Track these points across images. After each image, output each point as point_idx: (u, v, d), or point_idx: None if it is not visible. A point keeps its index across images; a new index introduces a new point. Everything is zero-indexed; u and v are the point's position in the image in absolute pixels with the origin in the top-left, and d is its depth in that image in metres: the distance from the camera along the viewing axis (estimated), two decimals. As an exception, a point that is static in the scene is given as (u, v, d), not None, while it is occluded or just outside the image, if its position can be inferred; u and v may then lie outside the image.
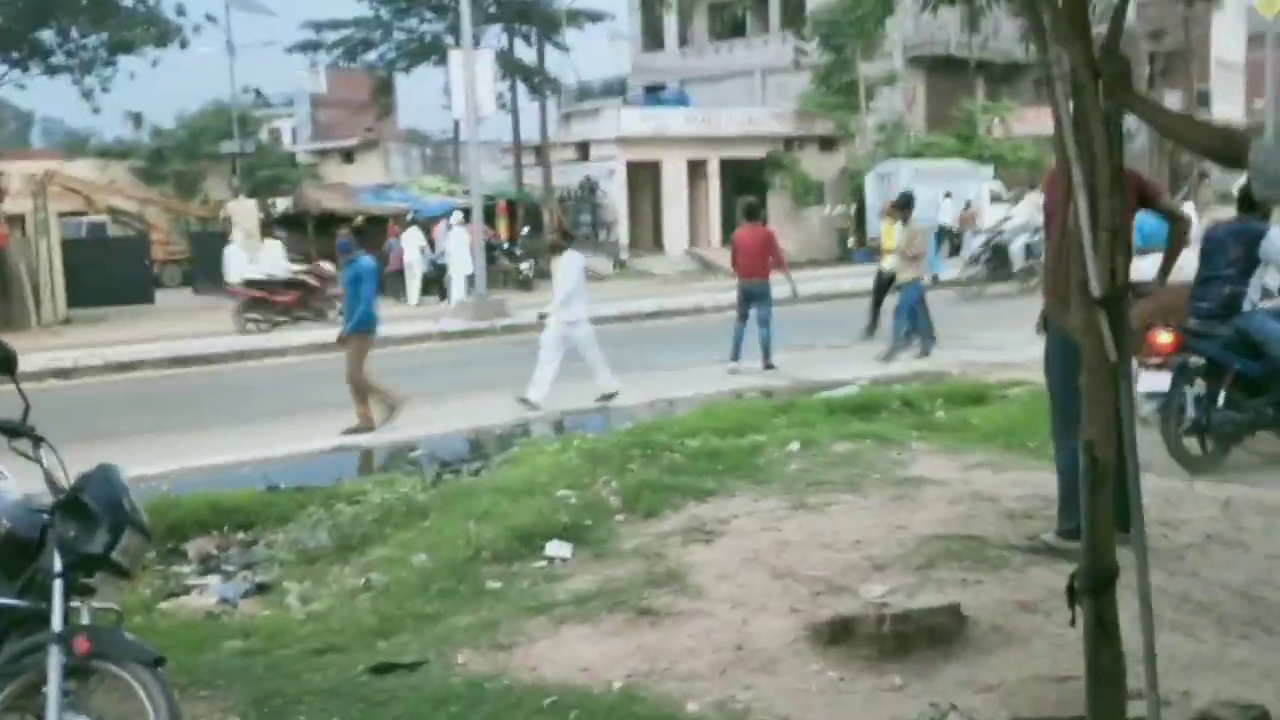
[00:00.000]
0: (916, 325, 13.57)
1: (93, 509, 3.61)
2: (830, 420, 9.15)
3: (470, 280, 23.17)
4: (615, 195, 30.68)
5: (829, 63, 33.29)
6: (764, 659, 4.37)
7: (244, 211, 27.00)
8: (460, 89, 17.96)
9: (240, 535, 7.17)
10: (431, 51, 33.84)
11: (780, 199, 32.34)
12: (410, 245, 24.32)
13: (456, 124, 34.69)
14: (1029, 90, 40.62)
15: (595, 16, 35.61)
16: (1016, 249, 19.62)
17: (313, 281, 20.03)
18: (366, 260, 10.78)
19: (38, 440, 3.70)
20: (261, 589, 6.22)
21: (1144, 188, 5.32)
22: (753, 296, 13.05)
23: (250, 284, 19.43)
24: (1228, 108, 42.81)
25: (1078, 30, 3.12)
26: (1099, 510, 3.35)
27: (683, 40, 43.90)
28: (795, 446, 7.48)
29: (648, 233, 32.27)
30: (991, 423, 8.60)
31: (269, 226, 26.59)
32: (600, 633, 4.75)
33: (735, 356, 13.11)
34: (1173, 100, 40.82)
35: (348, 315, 10.55)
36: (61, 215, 30.98)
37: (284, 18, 44.52)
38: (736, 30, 42.09)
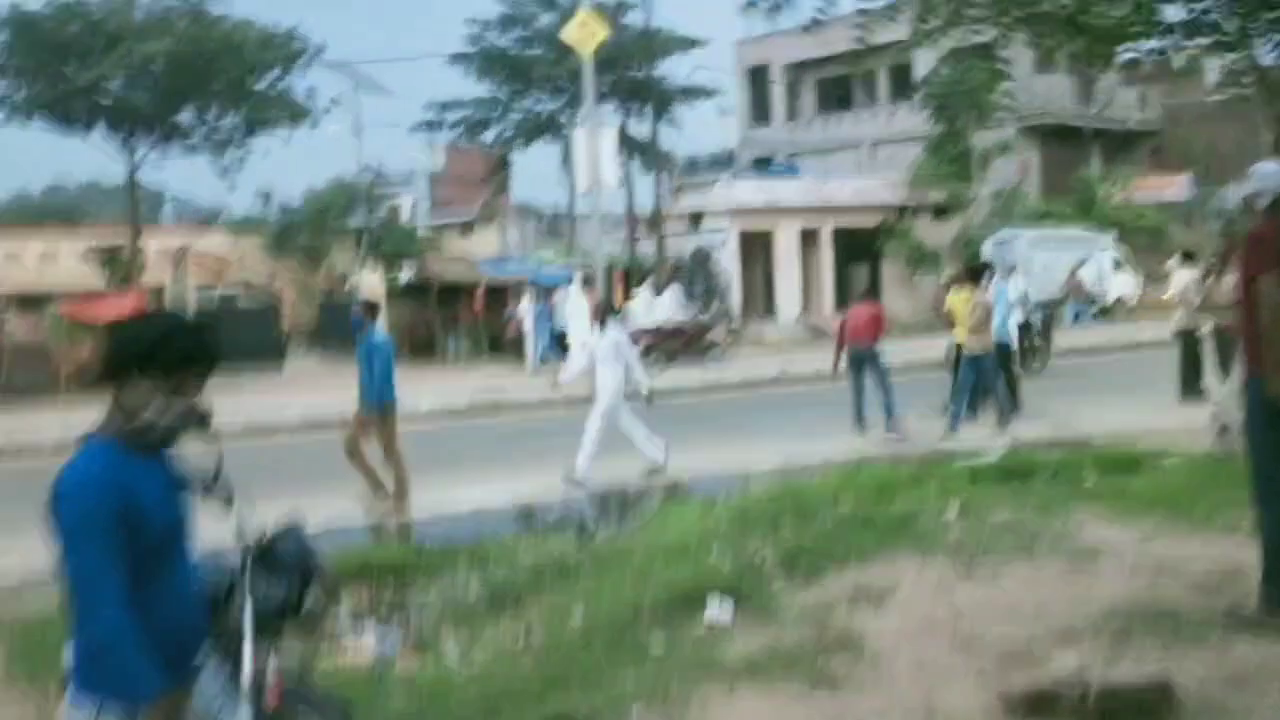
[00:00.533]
0: (995, 396, 13.00)
1: (284, 561, 3.64)
2: (975, 488, 8.89)
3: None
4: (728, 264, 30.80)
5: (941, 133, 33.13)
6: (960, 729, 4.19)
7: (370, 283, 27.80)
8: (584, 163, 18.28)
9: (391, 591, 7.23)
10: (547, 129, 34.66)
11: (893, 266, 32.07)
12: (529, 313, 24.68)
13: (572, 197, 35.49)
14: (1146, 158, 39.86)
15: (706, 93, 36.12)
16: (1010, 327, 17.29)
17: (692, 329, 23.95)
18: (380, 336, 10.44)
19: (229, 495, 3.76)
20: (420, 644, 6.23)
21: None
22: (863, 360, 12.95)
23: (646, 331, 22.20)
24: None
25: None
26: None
27: (790, 114, 44.23)
28: (953, 514, 7.26)
29: (760, 300, 32.22)
30: (1151, 492, 8.20)
31: (394, 297, 27.34)
32: (779, 698, 4.62)
33: (859, 422, 12.90)
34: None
35: (363, 394, 10.03)
36: (196, 287, 32.46)
37: (405, 99, 46.25)
38: (843, 103, 42.24)
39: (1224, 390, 10.10)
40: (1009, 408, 12.97)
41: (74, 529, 2.57)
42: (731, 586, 5.93)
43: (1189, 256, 14.61)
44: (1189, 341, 13.53)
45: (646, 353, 20.33)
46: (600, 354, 11.27)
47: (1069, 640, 4.91)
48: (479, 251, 33.92)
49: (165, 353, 2.72)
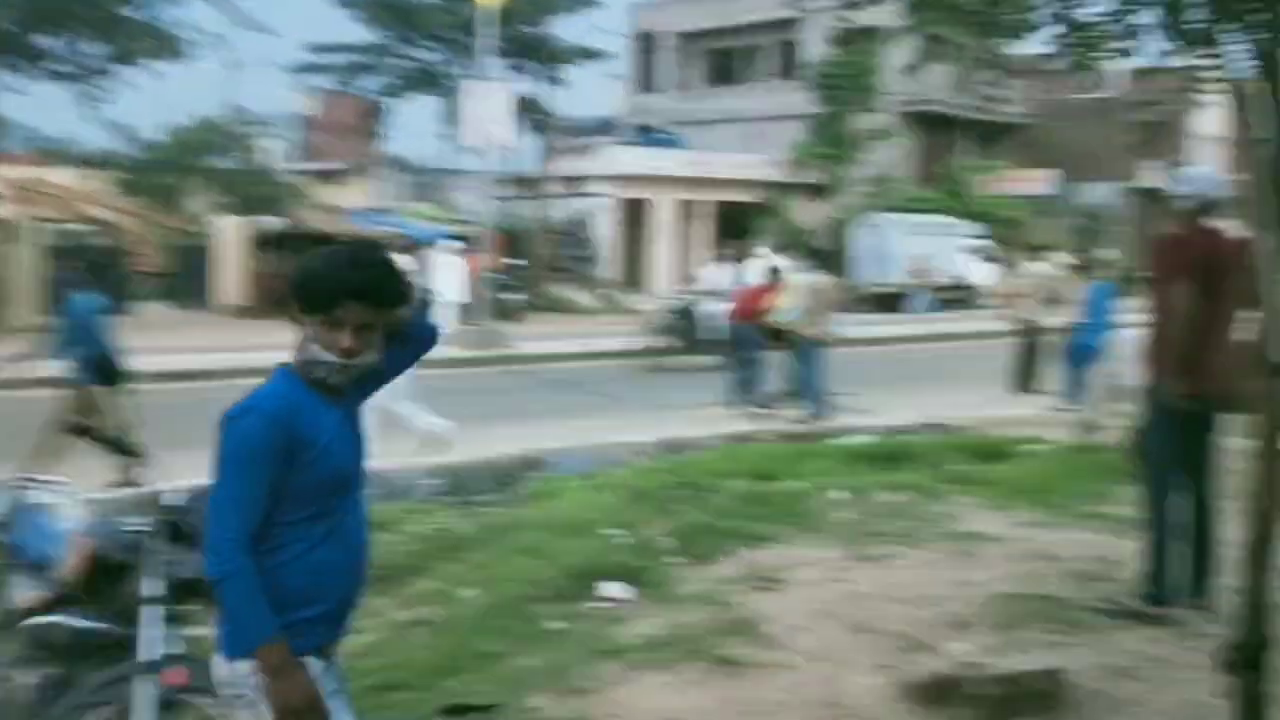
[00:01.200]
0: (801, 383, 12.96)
1: (195, 532, 3.44)
2: (852, 468, 9.07)
3: (461, 309, 23.03)
4: (605, 231, 30.69)
5: (825, 113, 33.63)
6: (863, 717, 4.24)
7: (230, 229, 26.73)
8: (474, 119, 17.87)
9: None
10: (432, 80, 33.78)
11: (769, 244, 32.49)
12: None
13: (450, 153, 34.74)
14: (1014, 152, 41.26)
15: (596, 55, 35.72)
16: (706, 316, 16.56)
17: None
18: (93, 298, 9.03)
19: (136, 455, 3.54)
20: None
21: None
22: (740, 340, 13.09)
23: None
24: None
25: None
26: (1260, 582, 3.29)
27: (678, 84, 44.19)
28: (841, 495, 7.38)
29: (635, 270, 32.27)
30: (1017, 479, 8.50)
31: (256, 246, 26.37)
32: (681, 681, 4.60)
33: (741, 397, 13.03)
34: (1155, 169, 41.59)
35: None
36: (42, 222, 30.56)
37: (286, 39, 44.50)
38: (731, 77, 42.45)
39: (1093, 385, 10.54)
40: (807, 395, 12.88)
41: (226, 455, 2.50)
42: (627, 566, 5.89)
43: (1037, 250, 15.21)
44: (1028, 336, 14.02)
45: None
46: None
47: (960, 627, 5.03)
48: (352, 204, 32.90)
49: (314, 289, 2.54)
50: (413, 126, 62.53)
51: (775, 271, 13.63)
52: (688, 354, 16.94)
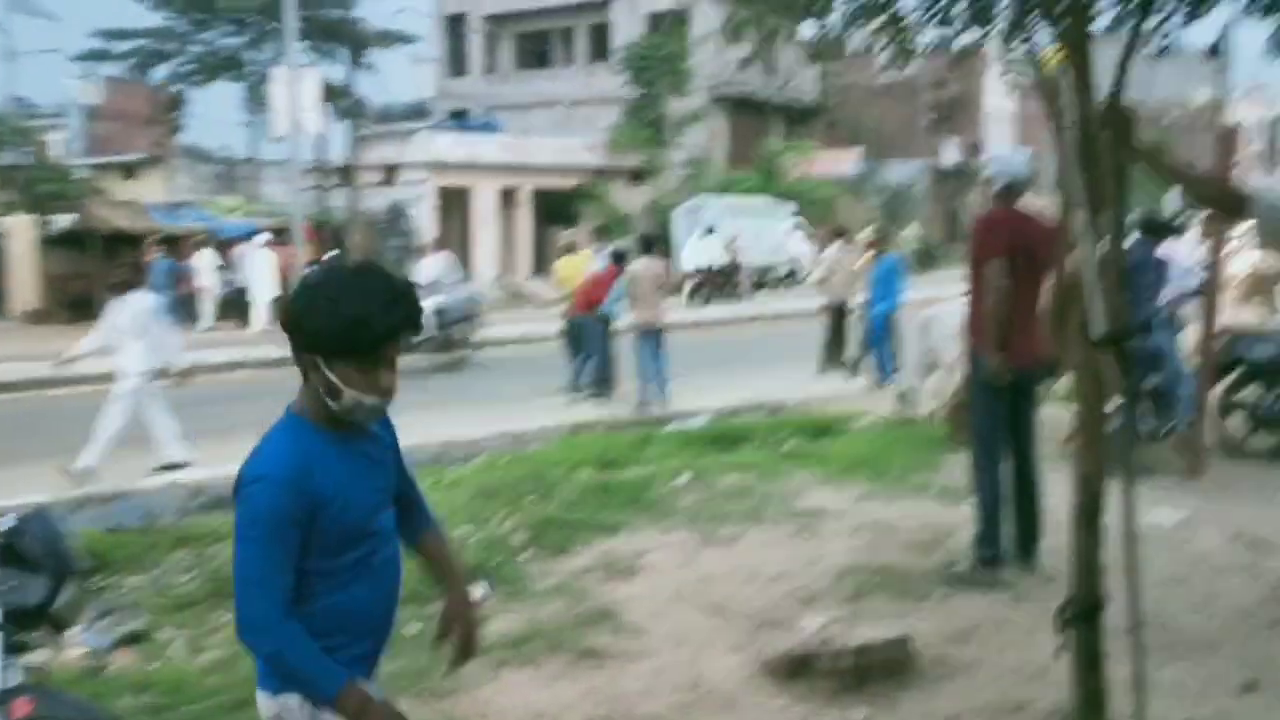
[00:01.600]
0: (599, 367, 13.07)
1: (32, 555, 3.24)
2: (693, 452, 9.25)
3: (274, 305, 22.27)
4: (424, 220, 30.13)
5: (638, 97, 33.93)
6: (724, 698, 4.34)
7: (19, 229, 24.98)
8: (282, 108, 17.23)
9: (89, 580, 6.57)
10: (233, 67, 32.45)
11: (589, 230, 32.60)
12: (206, 268, 23.06)
13: (254, 142, 33.43)
14: (821, 133, 42.66)
15: (403, 39, 35.03)
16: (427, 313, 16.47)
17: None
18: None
19: None
20: (133, 638, 5.72)
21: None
22: (582, 331, 13.11)
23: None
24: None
25: (1089, 85, 3.29)
26: (1091, 544, 3.52)
27: (488, 68, 43.73)
28: (685, 479, 7.51)
29: (458, 259, 31.81)
30: (849, 454, 8.82)
31: (47, 246, 24.77)
32: (545, 676, 4.61)
33: (582, 386, 13.05)
34: (950, 147, 43.79)
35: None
36: None
37: (71, 26, 41.77)
38: (542, 60, 42.28)
39: (905, 359, 11.02)
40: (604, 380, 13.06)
41: (245, 525, 2.37)
42: (480, 563, 5.84)
43: (839, 233, 15.71)
44: (835, 315, 14.54)
45: None
46: (122, 326, 9.52)
47: (810, 602, 5.21)
48: (146, 197, 31.24)
49: (363, 335, 2.33)
50: (215, 115, 59.69)
51: (617, 257, 13.63)
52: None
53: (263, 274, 22.25)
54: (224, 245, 25.07)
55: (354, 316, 2.31)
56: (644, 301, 12.37)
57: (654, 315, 12.41)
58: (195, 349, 10.58)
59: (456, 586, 2.78)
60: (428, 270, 16.39)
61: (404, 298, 2.39)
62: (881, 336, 13.37)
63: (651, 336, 12.43)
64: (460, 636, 2.73)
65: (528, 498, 6.98)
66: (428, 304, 14.65)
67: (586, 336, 13.01)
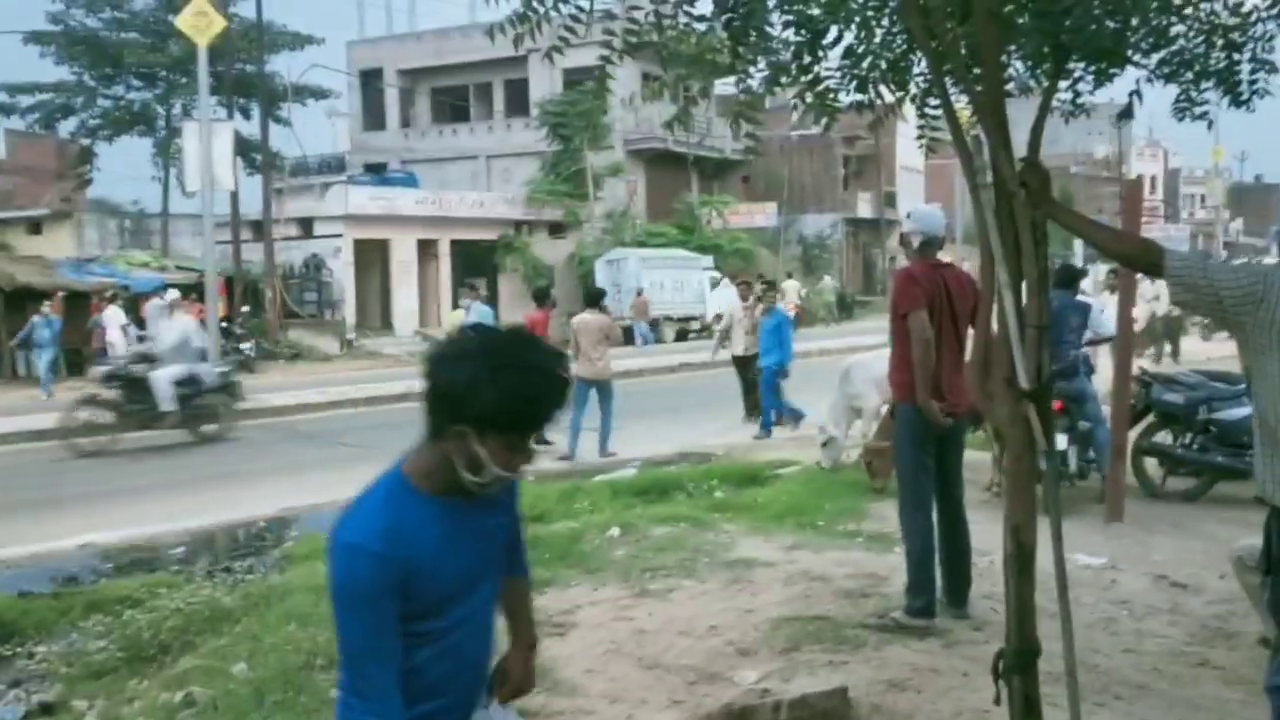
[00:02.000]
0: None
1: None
2: (619, 503, 9.21)
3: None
4: (342, 274, 29.82)
5: (557, 151, 34.17)
6: (665, 756, 4.28)
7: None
8: (195, 162, 16.95)
9: (-5, 649, 6.30)
10: (139, 121, 31.95)
11: (511, 281, 32.57)
12: (113, 324, 22.47)
13: (165, 196, 32.83)
14: (738, 186, 43.36)
15: (319, 94, 34.85)
16: (164, 383, 13.79)
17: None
18: None
19: None
20: (45, 710, 5.46)
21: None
22: None
23: None
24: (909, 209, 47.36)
25: (1006, 145, 3.38)
26: (1025, 592, 3.55)
27: (404, 121, 43.72)
28: (616, 532, 7.45)
29: (376, 313, 31.52)
30: (778, 503, 8.84)
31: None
32: (479, 740, 4.49)
33: None
34: (865, 200, 44.77)
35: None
36: None
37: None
38: (459, 114, 42.40)
39: (827, 407, 11.11)
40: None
41: (341, 594, 2.22)
42: (409, 623, 5.70)
43: (738, 281, 16.09)
44: (744, 364, 14.52)
45: None
46: None
47: (746, 654, 5.17)
48: (51, 252, 30.43)
49: (527, 414, 2.20)
50: (126, 170, 58.50)
51: (541, 297, 13.96)
52: (139, 427, 13.78)
53: (168, 329, 21.77)
54: (135, 301, 24.57)
55: (529, 395, 2.19)
56: (587, 355, 12.29)
57: (598, 369, 12.35)
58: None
59: (525, 639, 2.69)
60: (167, 335, 14.74)
61: (559, 379, 2.27)
62: (771, 388, 13.55)
63: (590, 389, 12.35)
64: (513, 688, 2.64)
65: (456, 555, 6.85)
66: (167, 373, 13.80)
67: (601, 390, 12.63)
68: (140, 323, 23.91)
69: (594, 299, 13.15)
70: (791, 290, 30.03)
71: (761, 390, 13.74)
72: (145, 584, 7.09)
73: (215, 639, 5.88)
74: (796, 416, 13.52)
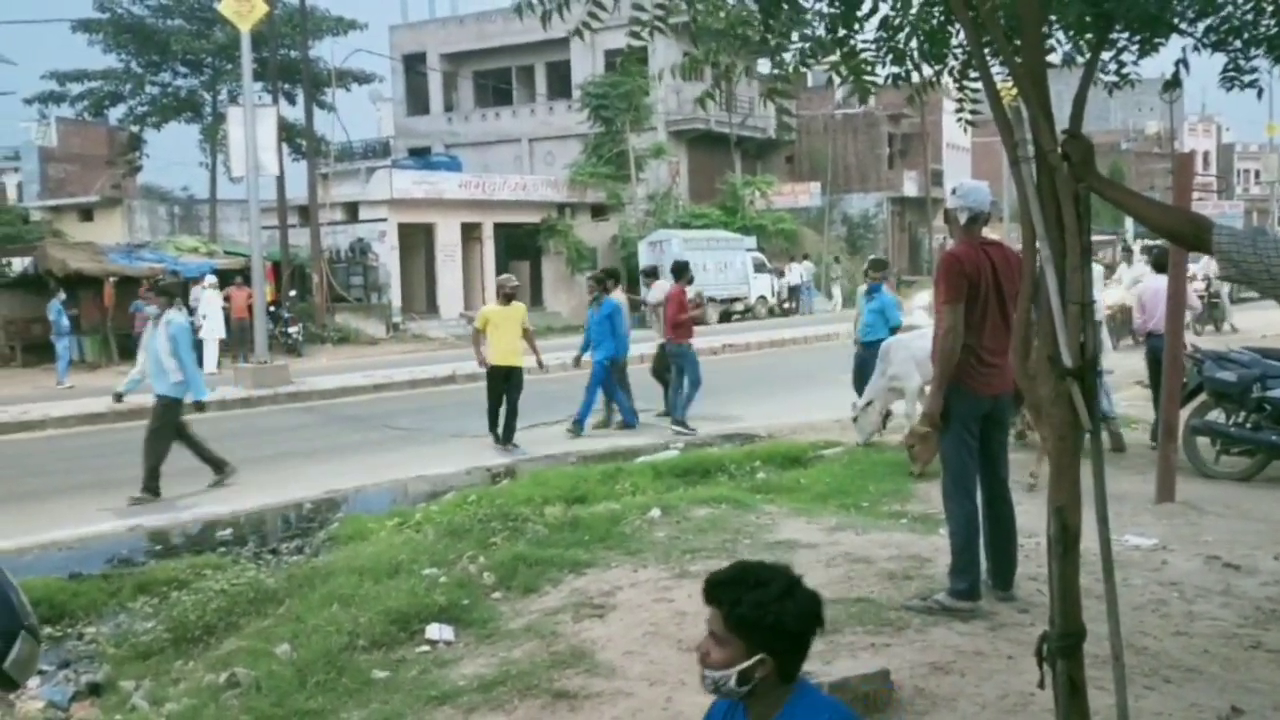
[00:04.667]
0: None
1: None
2: (659, 484, 9.19)
3: (222, 345, 22.13)
4: (387, 258, 30.01)
5: (599, 134, 34.09)
6: (704, 738, 4.25)
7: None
8: (240, 148, 17.10)
9: (47, 631, 6.40)
10: (186, 108, 32.30)
11: (554, 264, 32.61)
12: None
13: (213, 182, 33.18)
14: (782, 166, 43.03)
15: (362, 78, 35.02)
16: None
17: None
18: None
19: None
20: (93, 690, 5.55)
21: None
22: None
23: None
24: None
25: (1047, 117, 3.29)
26: (1069, 575, 3.47)
27: (447, 105, 43.84)
28: (657, 513, 7.43)
29: (421, 296, 31.70)
30: (821, 483, 8.81)
31: (9, 287, 24.47)
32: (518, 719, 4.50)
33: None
34: (911, 179, 44.26)
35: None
36: None
37: (25, 68, 41.29)
38: (502, 97, 42.44)
39: (867, 387, 11.00)
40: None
41: None
42: (450, 605, 5.73)
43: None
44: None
45: None
46: None
47: (787, 637, 5.13)
48: (103, 239, 30.95)
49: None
50: (173, 155, 59.24)
51: (679, 272, 13.65)
52: None
53: (213, 315, 22.13)
54: (185, 285, 24.93)
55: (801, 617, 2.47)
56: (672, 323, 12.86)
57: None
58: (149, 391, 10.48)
59: None
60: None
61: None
62: (600, 382, 12.67)
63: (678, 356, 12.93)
64: None
65: (496, 536, 6.87)
66: None
67: (686, 362, 12.90)
68: (190, 308, 24.37)
69: (680, 272, 13.43)
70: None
71: (604, 388, 12.82)
72: (192, 566, 7.21)
73: (259, 620, 5.95)
74: (627, 417, 12.81)
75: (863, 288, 12.54)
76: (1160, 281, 10.19)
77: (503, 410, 11.98)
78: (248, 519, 9.42)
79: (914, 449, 8.91)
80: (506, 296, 12.30)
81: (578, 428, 12.61)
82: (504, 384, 11.93)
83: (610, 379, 12.80)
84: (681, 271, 13.35)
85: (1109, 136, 60.74)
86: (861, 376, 11.48)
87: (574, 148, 36.32)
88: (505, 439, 11.95)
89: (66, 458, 12.71)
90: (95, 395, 16.94)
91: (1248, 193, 75.09)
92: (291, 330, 25.62)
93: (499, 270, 32.24)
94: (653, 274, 15.22)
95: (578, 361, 13.72)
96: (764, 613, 2.40)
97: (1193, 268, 19.27)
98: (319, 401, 17.21)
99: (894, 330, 11.60)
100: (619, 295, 13.38)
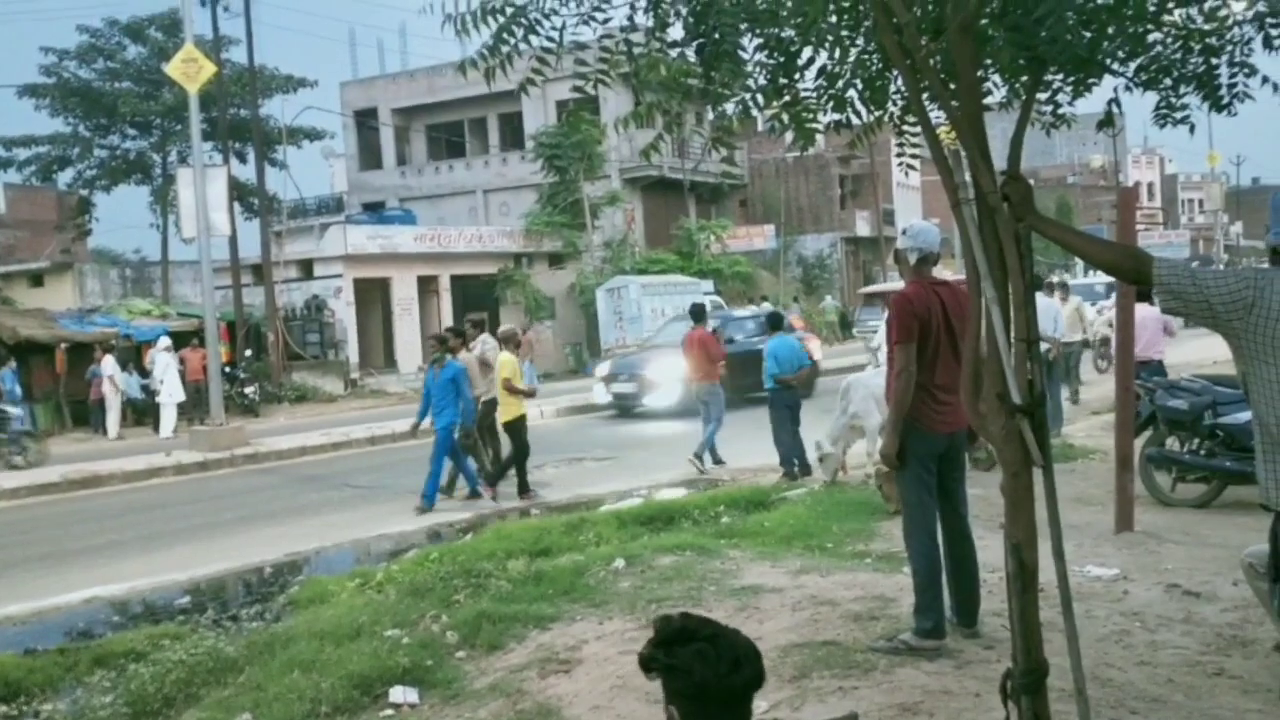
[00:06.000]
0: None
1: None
2: (623, 533, 9.15)
3: (180, 408, 21.87)
4: (344, 313, 29.85)
5: (553, 183, 34.27)
6: (674, 792, 4.19)
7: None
8: (190, 209, 16.99)
9: (2, 710, 6.24)
10: (135, 170, 32.12)
11: (513, 314, 32.58)
12: (109, 373, 22.52)
13: (164, 244, 32.91)
14: (736, 210, 43.44)
15: (314, 135, 34.99)
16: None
17: None
18: None
19: None
20: (49, 770, 5.41)
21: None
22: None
23: None
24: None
25: (985, 159, 3.35)
26: (1029, 611, 3.49)
27: (400, 159, 43.91)
28: (621, 564, 7.38)
29: (379, 351, 31.52)
30: (784, 526, 8.78)
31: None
32: (485, 783, 4.43)
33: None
34: (863, 219, 44.80)
35: None
36: None
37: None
38: (455, 150, 42.59)
39: (827, 426, 11.08)
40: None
41: None
42: (414, 666, 5.65)
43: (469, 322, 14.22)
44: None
45: None
46: None
47: (755, 685, 5.09)
48: (55, 304, 30.56)
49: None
50: (123, 218, 58.87)
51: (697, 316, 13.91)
52: None
53: (169, 378, 21.87)
54: (139, 349, 24.68)
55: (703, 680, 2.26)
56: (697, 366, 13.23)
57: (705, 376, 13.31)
58: (104, 459, 10.28)
59: None
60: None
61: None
62: (446, 450, 11.82)
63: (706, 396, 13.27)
64: None
65: (459, 594, 6.80)
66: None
67: (715, 401, 13.12)
68: (144, 371, 24.04)
69: (698, 315, 13.74)
70: (828, 307, 29.87)
71: (451, 456, 12.01)
72: (150, 636, 7.06)
73: (219, 690, 5.84)
74: (474, 485, 12.06)
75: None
76: (1146, 311, 10.36)
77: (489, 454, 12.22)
78: (206, 585, 9.25)
79: (884, 489, 8.97)
80: (516, 345, 12.47)
81: (426, 503, 11.61)
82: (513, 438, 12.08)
83: (456, 446, 12.00)
84: (700, 314, 13.79)
85: (1056, 171, 61.99)
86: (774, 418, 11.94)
87: (528, 198, 36.47)
88: (522, 489, 12.05)
89: (20, 530, 12.44)
90: (48, 465, 16.67)
91: (1192, 222, 76.74)
92: (248, 390, 25.35)
93: (457, 323, 32.19)
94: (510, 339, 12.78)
95: (415, 430, 12.65)
96: (672, 670, 2.26)
97: (1103, 304, 19.89)
98: (277, 462, 17.01)
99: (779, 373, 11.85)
100: (464, 357, 12.49)
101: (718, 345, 13.65)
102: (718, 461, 13.14)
